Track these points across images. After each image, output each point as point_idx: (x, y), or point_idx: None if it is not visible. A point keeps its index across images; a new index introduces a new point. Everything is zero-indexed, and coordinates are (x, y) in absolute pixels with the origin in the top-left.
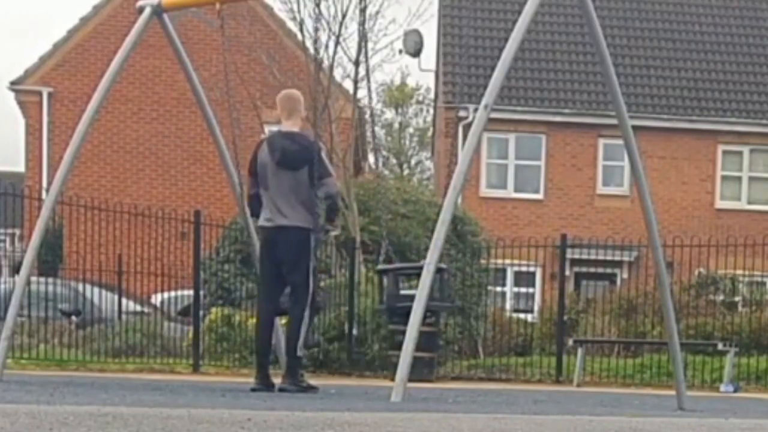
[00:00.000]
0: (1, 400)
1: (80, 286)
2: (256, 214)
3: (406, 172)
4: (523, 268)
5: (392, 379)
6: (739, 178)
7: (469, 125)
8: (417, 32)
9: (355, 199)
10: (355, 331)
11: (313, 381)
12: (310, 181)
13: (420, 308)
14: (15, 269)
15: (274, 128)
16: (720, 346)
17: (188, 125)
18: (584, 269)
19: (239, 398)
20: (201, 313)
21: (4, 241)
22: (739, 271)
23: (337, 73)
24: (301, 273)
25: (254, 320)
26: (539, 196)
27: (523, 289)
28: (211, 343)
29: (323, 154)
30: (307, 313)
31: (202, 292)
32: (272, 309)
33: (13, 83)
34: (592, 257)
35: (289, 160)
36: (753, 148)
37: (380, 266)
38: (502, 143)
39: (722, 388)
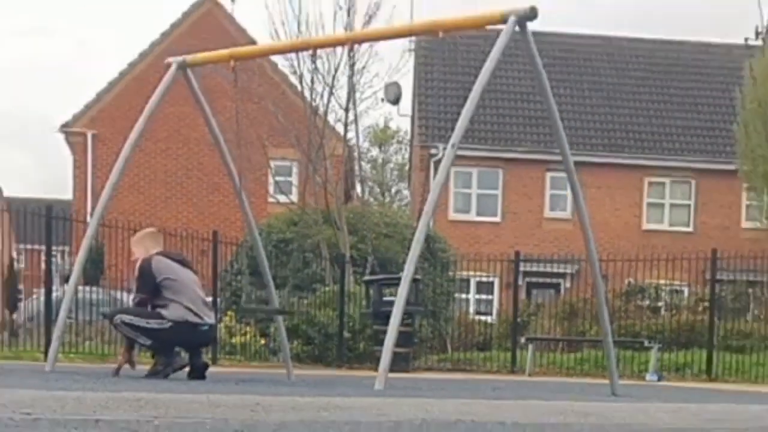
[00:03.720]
0: (53, 388)
1: (118, 294)
2: None
3: (387, 199)
4: (484, 279)
5: (376, 370)
6: (662, 205)
7: (439, 161)
8: (396, 84)
9: (345, 222)
10: (346, 333)
11: (310, 371)
12: None
13: (398, 312)
14: (64, 280)
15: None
16: (646, 343)
17: (208, 161)
18: (534, 279)
19: (250, 386)
20: (218, 316)
21: (56, 256)
22: (662, 281)
23: (331, 118)
24: None
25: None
26: (497, 219)
27: (483, 296)
28: (227, 339)
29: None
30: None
31: (219, 299)
32: None
33: (63, 126)
34: (541, 269)
35: None
36: (673, 179)
37: (366, 277)
38: (467, 176)
39: (648, 377)
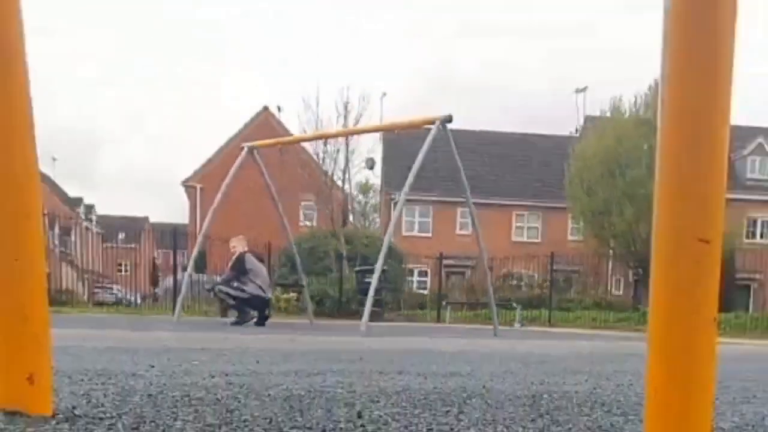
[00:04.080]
0: (177, 330)
1: (215, 277)
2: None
3: (367, 224)
4: (423, 269)
5: (363, 319)
6: (523, 227)
7: (395, 203)
8: (372, 158)
9: (343, 237)
10: (343, 299)
11: (323, 321)
12: None
13: (373, 288)
14: (184, 269)
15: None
16: (513, 305)
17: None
18: (450, 270)
19: (290, 329)
20: (273, 291)
21: (180, 256)
22: (523, 270)
23: (336, 178)
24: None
25: (293, 296)
26: (429, 235)
27: (422, 279)
28: (275, 303)
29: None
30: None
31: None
32: None
33: (183, 181)
34: (454, 263)
35: None
36: (530, 213)
37: (356, 269)
38: (412, 210)
39: (515, 325)
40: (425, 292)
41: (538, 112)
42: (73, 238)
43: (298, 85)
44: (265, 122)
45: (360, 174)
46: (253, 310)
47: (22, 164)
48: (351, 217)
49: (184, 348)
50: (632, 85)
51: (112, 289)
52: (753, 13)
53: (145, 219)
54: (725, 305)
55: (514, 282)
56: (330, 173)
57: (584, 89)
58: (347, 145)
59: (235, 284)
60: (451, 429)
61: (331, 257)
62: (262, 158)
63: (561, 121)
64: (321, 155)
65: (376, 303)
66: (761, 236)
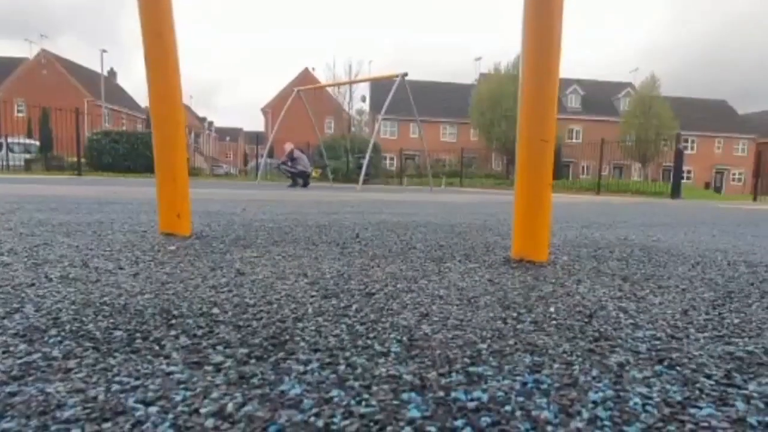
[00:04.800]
0: (258, 189)
1: (278, 161)
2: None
3: (361, 131)
4: (391, 156)
5: (359, 183)
6: (447, 132)
7: (377, 120)
8: (364, 96)
9: (348, 138)
10: (349, 171)
11: (337, 184)
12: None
13: (365, 167)
14: (262, 156)
15: (326, 120)
16: (441, 176)
17: (307, 121)
18: (408, 156)
19: (319, 189)
20: (311, 170)
21: (260, 148)
22: (446, 157)
23: (344, 106)
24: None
25: (320, 172)
26: (396, 138)
27: (391, 161)
28: (314, 175)
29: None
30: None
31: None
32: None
33: (262, 108)
34: (409, 153)
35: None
36: (450, 124)
37: (356, 155)
38: (386, 124)
39: (442, 186)
40: (393, 168)
41: (455, 68)
42: (201, 139)
43: (325, 55)
44: (305, 75)
45: (358, 104)
46: (300, 178)
47: (173, 98)
48: (352, 128)
49: (262, 199)
50: (509, 55)
51: (222, 167)
52: (569, 10)
53: (240, 129)
54: (556, 175)
55: (441, 164)
56: (341, 104)
57: (479, 58)
58: (350, 88)
59: (289, 164)
60: (408, 242)
61: (341, 149)
62: (305, 96)
63: (468, 75)
64: (336, 94)
65: (366, 174)
66: (574, 138)
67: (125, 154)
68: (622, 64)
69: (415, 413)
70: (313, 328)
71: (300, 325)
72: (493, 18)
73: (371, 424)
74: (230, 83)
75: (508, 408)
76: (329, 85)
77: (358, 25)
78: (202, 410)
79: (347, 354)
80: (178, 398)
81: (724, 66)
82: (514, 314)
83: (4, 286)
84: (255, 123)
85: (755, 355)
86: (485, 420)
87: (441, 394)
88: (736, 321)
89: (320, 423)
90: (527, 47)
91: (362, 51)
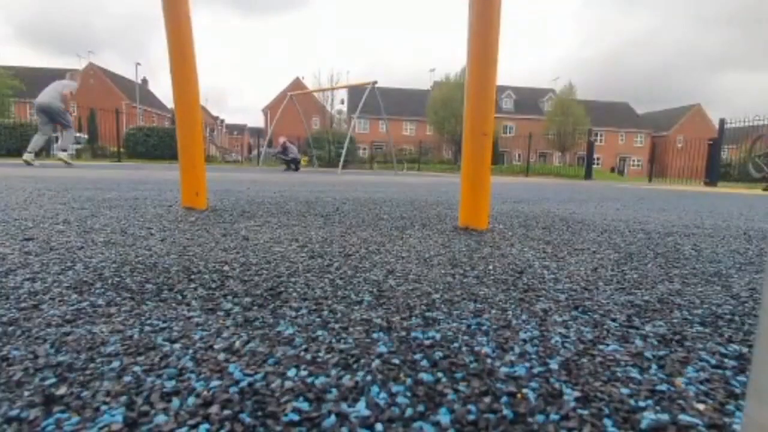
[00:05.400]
0: (259, 173)
1: (275, 150)
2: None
3: (340, 127)
4: (365, 147)
5: (339, 168)
6: (407, 129)
7: (353, 119)
8: (342, 99)
9: (330, 132)
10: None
11: (322, 169)
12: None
13: (343, 154)
14: (262, 146)
15: (312, 119)
16: (403, 162)
17: (298, 119)
18: (377, 147)
19: (307, 174)
20: (300, 158)
21: (263, 140)
22: (407, 147)
23: (328, 107)
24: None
25: (308, 159)
26: (368, 132)
27: (364, 151)
28: (303, 163)
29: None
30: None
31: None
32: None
33: (263, 108)
34: (378, 144)
35: None
36: (411, 122)
37: (336, 145)
38: (360, 122)
39: (404, 170)
40: (366, 156)
41: (413, 76)
42: (215, 133)
43: (312, 67)
44: (297, 82)
45: (338, 106)
46: (292, 164)
47: (193, 103)
48: (333, 125)
49: (263, 180)
50: (458, 65)
51: (231, 155)
52: (506, 20)
53: (245, 125)
54: (494, 161)
55: (404, 153)
56: (325, 105)
57: (434, 69)
58: (332, 93)
59: (283, 153)
60: (377, 214)
61: (325, 141)
62: (296, 99)
63: (424, 83)
64: (322, 98)
65: (345, 161)
66: (508, 133)
67: (155, 145)
68: (546, 73)
69: (383, 349)
70: (302, 282)
71: (293, 279)
72: (446, 34)
73: (348, 357)
74: (238, 89)
75: (456, 344)
76: (315, 91)
77: (339, 41)
78: (216, 346)
79: (329, 302)
80: (197, 337)
81: (626, 75)
82: (461, 271)
83: (59, 248)
84: (257, 120)
85: (650, 303)
86: (438, 354)
87: (403, 333)
88: (635, 276)
89: (308, 356)
90: (472, 60)
91: (341, 63)
